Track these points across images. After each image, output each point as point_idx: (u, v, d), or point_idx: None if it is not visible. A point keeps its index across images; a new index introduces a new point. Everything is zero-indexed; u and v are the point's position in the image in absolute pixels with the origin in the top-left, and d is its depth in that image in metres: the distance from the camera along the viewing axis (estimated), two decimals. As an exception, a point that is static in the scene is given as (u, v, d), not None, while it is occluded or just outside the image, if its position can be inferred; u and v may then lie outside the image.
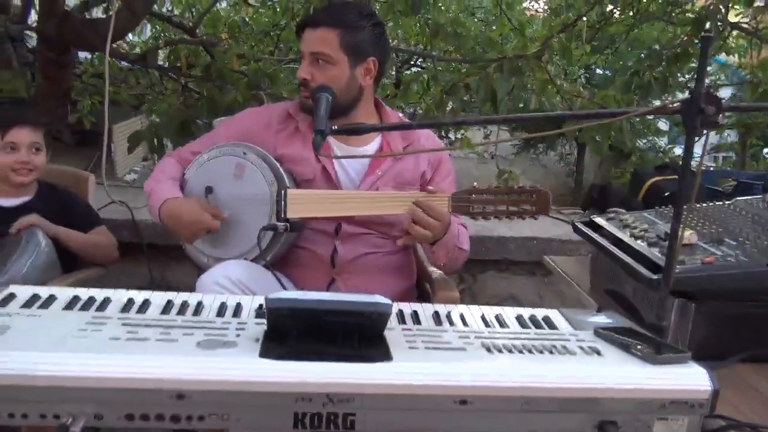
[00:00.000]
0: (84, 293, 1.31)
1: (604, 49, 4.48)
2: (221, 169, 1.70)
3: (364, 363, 1.05)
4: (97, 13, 4.01)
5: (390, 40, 4.76)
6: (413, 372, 1.04)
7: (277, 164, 1.68)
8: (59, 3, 3.17)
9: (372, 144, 1.80)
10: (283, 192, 1.61)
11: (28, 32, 3.80)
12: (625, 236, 1.75)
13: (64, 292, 1.31)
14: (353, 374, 1.03)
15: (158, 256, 2.44)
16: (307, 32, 1.72)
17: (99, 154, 5.00)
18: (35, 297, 1.27)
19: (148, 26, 5.30)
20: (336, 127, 1.33)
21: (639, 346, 1.17)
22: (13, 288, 1.31)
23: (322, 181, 1.74)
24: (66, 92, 3.51)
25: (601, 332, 1.26)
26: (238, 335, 1.13)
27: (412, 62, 4.85)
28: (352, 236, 1.75)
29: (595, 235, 1.85)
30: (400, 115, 2.00)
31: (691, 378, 1.10)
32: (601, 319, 1.40)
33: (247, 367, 1.02)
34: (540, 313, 1.42)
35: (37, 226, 1.95)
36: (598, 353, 1.17)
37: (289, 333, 1.11)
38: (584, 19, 3.05)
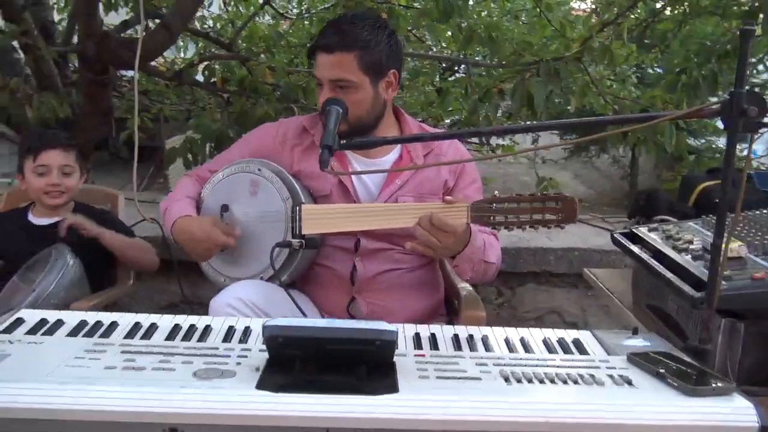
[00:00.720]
0: (92, 317, 1.28)
1: (653, 47, 4.27)
2: (236, 186, 1.66)
3: (367, 396, 0.98)
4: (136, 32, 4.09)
5: (430, 47, 4.70)
6: (418, 406, 0.96)
7: (292, 180, 1.62)
8: (97, 24, 3.22)
9: (391, 155, 1.71)
10: (297, 208, 1.55)
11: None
12: (667, 249, 1.62)
13: (72, 317, 1.28)
14: (354, 408, 0.95)
15: (189, 273, 2.43)
16: (322, 57, 1.61)
17: (153, 169, 5.09)
18: (42, 322, 1.25)
19: (192, 44, 5.38)
20: (344, 142, 1.27)
21: (675, 375, 1.06)
22: (22, 313, 1.29)
23: (339, 196, 1.67)
24: (107, 110, 3.56)
25: (634, 358, 1.15)
26: (238, 363, 1.08)
27: (456, 69, 4.75)
28: (371, 252, 1.68)
29: (634, 248, 1.73)
30: (421, 123, 1.91)
31: (734, 413, 0.98)
32: (638, 342, 1.28)
33: (241, 399, 0.96)
34: (571, 335, 1.32)
35: (81, 224, 1.96)
36: (630, 383, 1.06)
37: (292, 362, 1.05)
38: (626, 16, 2.90)
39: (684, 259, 1.53)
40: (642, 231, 1.78)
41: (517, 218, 1.41)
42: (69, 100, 3.52)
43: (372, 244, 1.66)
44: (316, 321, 1.05)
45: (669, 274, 1.48)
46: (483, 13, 4.88)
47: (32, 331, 1.21)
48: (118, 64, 3.26)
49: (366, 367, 1.05)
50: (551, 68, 2.72)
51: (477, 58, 4.44)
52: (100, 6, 3.99)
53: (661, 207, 2.35)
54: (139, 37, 2.64)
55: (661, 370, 1.08)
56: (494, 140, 4.33)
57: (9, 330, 1.20)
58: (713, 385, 1.04)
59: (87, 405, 0.93)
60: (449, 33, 3.35)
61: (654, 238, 1.72)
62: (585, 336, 1.32)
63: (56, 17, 4.43)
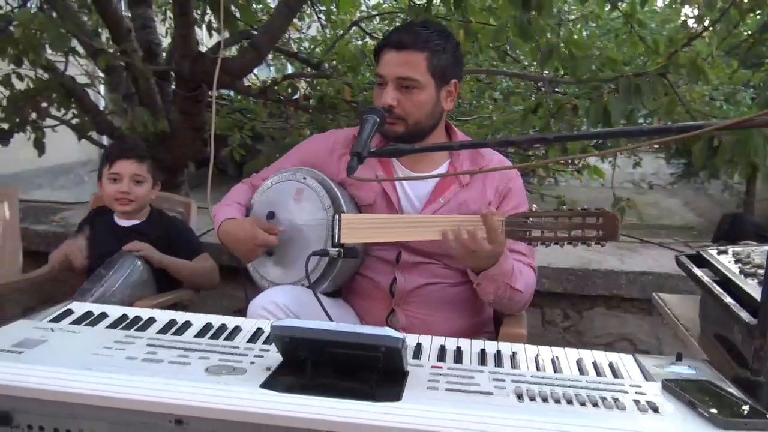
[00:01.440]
0: (132, 313, 1.35)
1: (761, 65, 3.98)
2: (282, 194, 1.70)
3: (368, 402, 0.96)
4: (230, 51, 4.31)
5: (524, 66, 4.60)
6: (417, 416, 0.93)
7: (336, 189, 1.64)
8: (192, 44, 3.42)
9: (438, 170, 1.68)
10: (337, 216, 1.57)
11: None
12: (733, 273, 1.49)
13: (115, 311, 1.36)
14: (351, 412, 0.94)
15: (254, 281, 2.50)
16: (390, 55, 1.60)
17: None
18: (88, 314, 1.33)
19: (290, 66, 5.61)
20: (375, 149, 1.27)
21: (709, 406, 0.97)
22: (72, 305, 1.38)
23: (382, 207, 1.67)
24: (200, 126, 3.76)
25: (668, 385, 1.07)
26: (252, 363, 1.10)
27: (538, 86, 4.64)
28: (412, 265, 1.66)
29: (698, 271, 1.60)
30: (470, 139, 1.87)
31: (767, 450, 0.88)
32: (681, 370, 1.19)
33: (243, 397, 0.97)
34: (609, 358, 1.25)
35: (150, 257, 2.08)
36: (655, 410, 0.98)
37: (305, 365, 1.06)
38: (716, 29, 2.72)
39: (749, 285, 1.40)
40: (710, 254, 1.65)
41: (555, 234, 1.34)
42: (167, 115, 3.75)
43: (413, 258, 1.65)
44: (325, 324, 1.04)
45: (728, 299, 1.36)
46: (561, 31, 4.76)
47: (77, 321, 1.29)
48: (210, 82, 3.45)
49: (378, 374, 1.04)
50: (631, 84, 2.59)
51: (545, 75, 4.32)
52: (204, 28, 4.27)
53: (746, 231, 2.18)
54: (219, 56, 2.78)
55: (693, 399, 0.99)
56: (579, 162, 4.16)
57: (57, 319, 1.29)
58: (750, 418, 0.94)
59: (97, 390, 0.98)
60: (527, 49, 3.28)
61: (722, 261, 1.58)
62: (625, 360, 1.24)
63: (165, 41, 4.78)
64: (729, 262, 1.58)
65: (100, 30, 4.00)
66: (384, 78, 1.62)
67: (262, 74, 6.06)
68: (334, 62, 4.32)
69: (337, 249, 1.54)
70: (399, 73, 1.59)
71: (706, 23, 2.90)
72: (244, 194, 1.79)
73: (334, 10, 4.80)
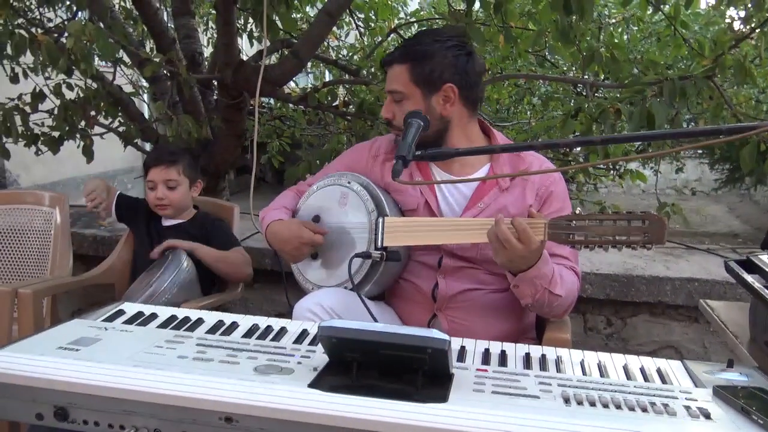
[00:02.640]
0: (181, 313, 1.38)
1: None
2: (328, 198, 1.72)
3: (414, 403, 0.97)
4: (271, 59, 4.38)
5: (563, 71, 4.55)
6: (464, 417, 0.93)
7: (380, 193, 1.65)
8: (234, 53, 3.49)
9: (477, 174, 1.68)
10: (380, 220, 1.58)
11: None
12: (786, 279, 1.46)
13: (164, 311, 1.39)
14: (400, 414, 0.95)
15: (297, 285, 2.53)
16: (387, 71, 1.70)
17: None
18: (139, 314, 1.37)
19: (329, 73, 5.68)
20: (420, 153, 1.27)
21: (764, 412, 0.95)
22: (124, 305, 1.42)
23: (424, 212, 1.67)
24: (241, 132, 3.83)
25: (720, 391, 1.05)
26: (299, 363, 1.12)
27: (577, 90, 4.59)
28: (454, 270, 1.65)
29: (748, 277, 1.56)
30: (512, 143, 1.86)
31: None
32: (732, 376, 1.16)
33: (292, 396, 0.99)
34: (657, 363, 1.23)
35: (175, 246, 2.13)
36: (707, 416, 0.97)
37: (351, 366, 1.07)
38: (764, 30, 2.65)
39: (803, 291, 1.36)
40: (761, 259, 1.61)
41: (599, 237, 1.32)
42: (209, 123, 3.83)
43: (454, 263, 1.65)
44: (371, 325, 1.05)
45: (780, 306, 1.33)
46: (613, 32, 4.69)
47: (129, 321, 1.33)
48: (252, 90, 3.51)
49: (423, 376, 1.05)
50: (676, 87, 2.54)
51: (586, 79, 4.28)
52: (245, 37, 4.35)
53: (798, 237, 2.11)
54: (261, 64, 2.83)
55: (747, 406, 0.97)
56: (620, 166, 4.09)
57: (110, 319, 1.33)
58: (806, 426, 0.91)
59: (150, 387, 1.00)
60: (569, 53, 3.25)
61: (773, 267, 1.55)
62: (674, 365, 1.22)
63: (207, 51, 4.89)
64: (781, 267, 1.53)
65: (145, 40, 4.11)
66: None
67: (301, 82, 6.14)
68: (373, 69, 4.36)
69: (379, 252, 1.55)
70: (388, 87, 1.68)
71: (753, 24, 2.83)
72: (291, 200, 1.82)
73: (373, 17, 4.84)
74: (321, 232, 1.67)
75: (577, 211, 1.38)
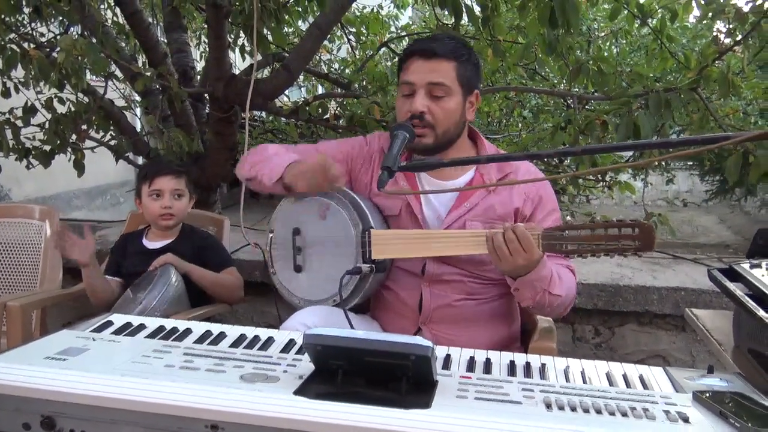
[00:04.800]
0: (169, 324, 1.39)
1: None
2: (308, 209, 1.70)
3: (398, 409, 0.98)
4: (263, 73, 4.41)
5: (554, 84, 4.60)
6: (447, 423, 0.95)
7: (362, 203, 1.64)
8: (225, 67, 3.51)
9: (463, 177, 1.68)
10: (367, 233, 1.58)
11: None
12: (767, 287, 1.48)
13: (153, 322, 1.40)
14: (382, 419, 0.96)
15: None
16: (418, 63, 1.61)
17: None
18: (127, 325, 1.38)
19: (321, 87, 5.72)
20: (405, 163, 1.29)
21: (740, 416, 0.96)
22: (112, 316, 1.43)
23: (406, 217, 1.67)
24: (232, 145, 3.85)
25: (699, 396, 1.06)
26: (285, 371, 1.13)
27: (567, 103, 4.63)
28: (439, 280, 1.65)
29: (731, 285, 1.58)
30: (501, 151, 1.88)
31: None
32: (712, 382, 1.18)
33: (277, 403, 1.00)
34: (639, 370, 1.24)
35: (171, 264, 2.13)
36: (686, 420, 0.98)
37: (335, 373, 1.08)
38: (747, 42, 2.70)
39: (784, 298, 1.38)
40: (743, 267, 1.63)
41: (591, 246, 1.35)
42: (201, 136, 3.84)
43: (438, 268, 1.64)
44: (357, 332, 1.06)
45: (761, 313, 1.35)
46: (601, 46, 4.75)
47: (117, 331, 1.33)
48: (242, 104, 3.54)
49: (407, 383, 1.06)
50: (662, 99, 2.58)
51: (574, 92, 4.33)
52: (237, 51, 4.38)
53: (782, 246, 2.13)
54: (252, 78, 2.85)
55: (725, 410, 0.99)
56: (609, 176, 4.13)
57: (98, 329, 1.34)
58: (780, 429, 0.93)
59: (136, 396, 1.01)
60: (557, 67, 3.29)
61: (755, 275, 1.57)
62: (655, 372, 1.24)
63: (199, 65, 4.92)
64: (763, 275, 1.55)
65: (137, 55, 4.14)
66: (413, 85, 1.62)
67: (293, 95, 6.17)
68: (364, 82, 4.39)
69: (369, 265, 1.55)
70: (431, 78, 1.60)
71: (738, 38, 2.87)
72: (288, 151, 1.77)
73: (364, 31, 4.89)
74: (343, 180, 1.64)
75: (568, 220, 1.40)
